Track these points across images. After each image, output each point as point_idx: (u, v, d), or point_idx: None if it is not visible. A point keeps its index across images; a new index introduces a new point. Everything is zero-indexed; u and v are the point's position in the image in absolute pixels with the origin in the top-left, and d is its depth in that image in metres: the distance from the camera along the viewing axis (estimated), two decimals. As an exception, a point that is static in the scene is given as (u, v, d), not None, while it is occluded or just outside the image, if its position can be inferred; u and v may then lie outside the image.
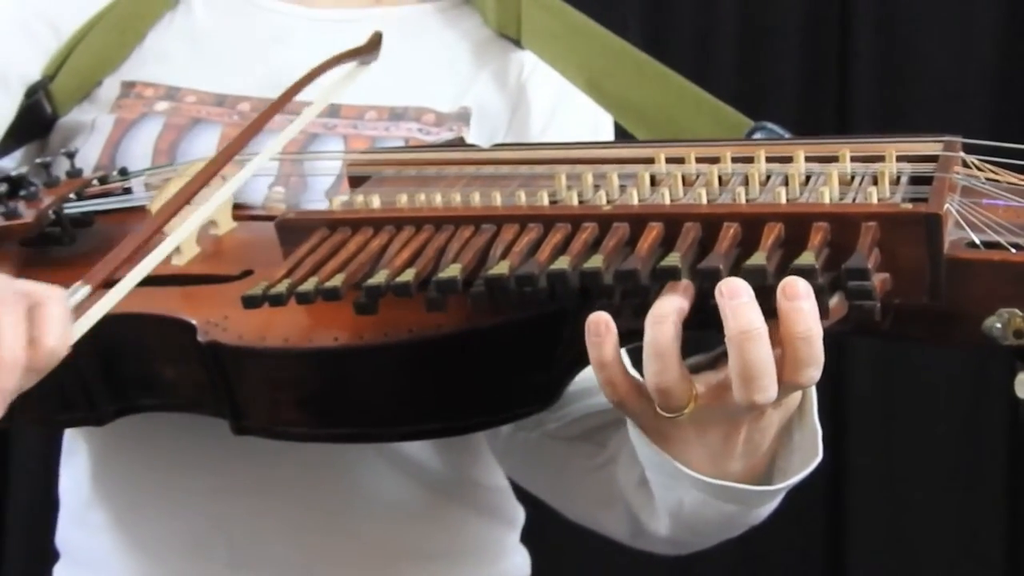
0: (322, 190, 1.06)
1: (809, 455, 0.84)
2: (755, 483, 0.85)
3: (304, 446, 1.02)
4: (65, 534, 1.18)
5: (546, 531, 1.12)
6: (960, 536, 2.27)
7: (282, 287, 0.80)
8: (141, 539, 1.11)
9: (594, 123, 1.15)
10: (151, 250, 0.86)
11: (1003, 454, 2.25)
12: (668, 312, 0.73)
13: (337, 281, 0.79)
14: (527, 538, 1.23)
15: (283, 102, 1.02)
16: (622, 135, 1.12)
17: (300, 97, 1.03)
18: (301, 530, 1.09)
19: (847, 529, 2.27)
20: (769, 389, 0.73)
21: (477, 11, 1.19)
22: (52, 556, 1.19)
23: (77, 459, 1.15)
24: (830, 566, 2.29)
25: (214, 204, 0.94)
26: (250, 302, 0.81)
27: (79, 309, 0.80)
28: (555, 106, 1.15)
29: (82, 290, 0.81)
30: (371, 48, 1.08)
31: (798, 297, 0.71)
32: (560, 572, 1.48)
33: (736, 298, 0.72)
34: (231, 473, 1.08)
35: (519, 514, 1.22)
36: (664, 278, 0.74)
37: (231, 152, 0.95)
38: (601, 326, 0.75)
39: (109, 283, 0.83)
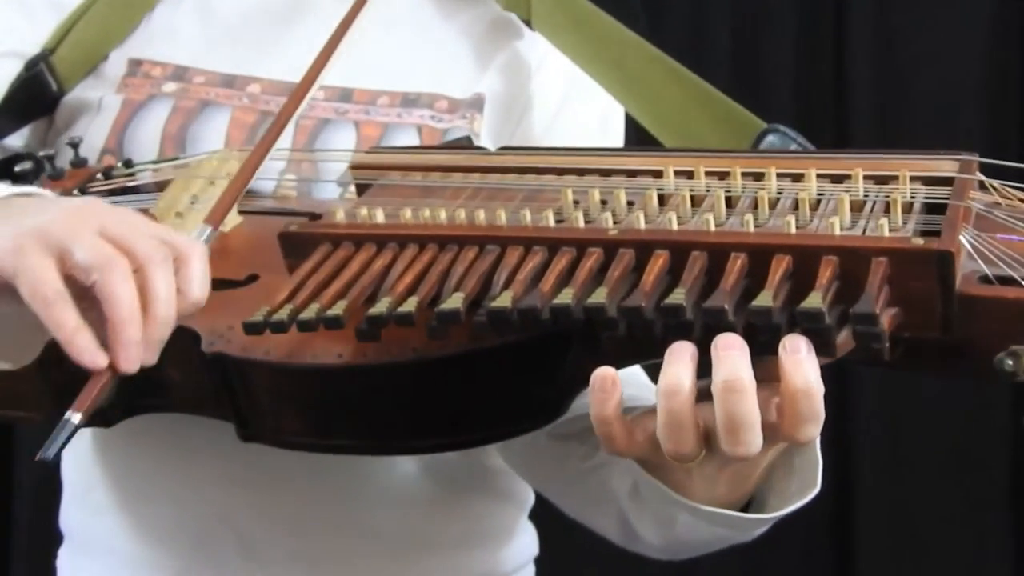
0: (334, 175, 1.05)
1: (808, 482, 0.84)
2: (743, 501, 0.85)
3: None
4: (68, 515, 1.18)
5: (554, 508, 1.12)
6: (966, 548, 2.27)
7: (283, 314, 0.80)
8: (146, 524, 1.11)
9: (603, 118, 1.13)
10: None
11: (1006, 470, 2.25)
12: (681, 382, 0.72)
13: (339, 309, 0.79)
14: (534, 515, 1.24)
15: (315, 74, 1.00)
16: (632, 125, 1.10)
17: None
18: (311, 521, 1.09)
19: (854, 534, 2.27)
20: (751, 443, 0.72)
21: None
22: (58, 539, 1.20)
23: (83, 440, 1.15)
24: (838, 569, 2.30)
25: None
26: (251, 329, 0.80)
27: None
28: (563, 100, 1.14)
29: (207, 231, 0.88)
30: None
31: (799, 352, 0.71)
32: (568, 548, 1.49)
33: (727, 349, 0.71)
34: (240, 462, 1.07)
35: (529, 495, 1.22)
36: (669, 316, 0.73)
37: (271, 138, 0.95)
38: (607, 382, 0.74)
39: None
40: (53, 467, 1.18)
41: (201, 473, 1.09)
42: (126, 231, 0.80)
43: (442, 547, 1.14)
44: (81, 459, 1.15)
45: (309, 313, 0.79)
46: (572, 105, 1.14)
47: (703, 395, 0.75)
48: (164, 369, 0.92)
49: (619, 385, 0.74)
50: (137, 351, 0.78)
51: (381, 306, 0.78)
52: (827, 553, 2.29)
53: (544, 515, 1.23)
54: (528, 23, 1.12)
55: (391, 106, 1.08)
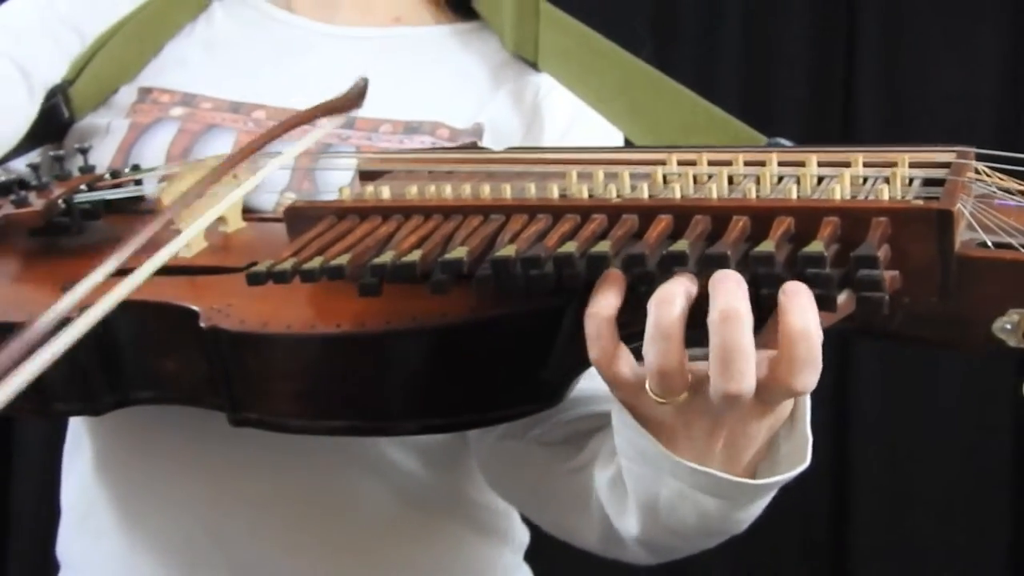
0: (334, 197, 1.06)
1: (796, 462, 0.82)
2: None
3: (303, 459, 1.01)
4: (66, 542, 1.17)
5: (548, 550, 1.10)
6: (965, 543, 2.25)
7: (287, 264, 0.80)
8: (140, 547, 1.10)
9: (609, 140, 1.15)
10: (162, 242, 0.86)
11: (1008, 461, 2.25)
12: (675, 293, 0.72)
13: (343, 260, 0.79)
14: (530, 557, 1.22)
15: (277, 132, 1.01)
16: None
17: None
18: (298, 545, 1.08)
19: (849, 535, 2.25)
20: (744, 376, 0.71)
21: (495, 34, 1.19)
22: (54, 566, 1.18)
23: (79, 463, 1.14)
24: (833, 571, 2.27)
25: (227, 202, 0.94)
26: (254, 278, 0.80)
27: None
28: (569, 126, 1.15)
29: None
30: (358, 97, 1.06)
31: (798, 294, 0.71)
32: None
33: (724, 282, 0.71)
34: (229, 485, 1.07)
35: (519, 534, 1.20)
36: (672, 263, 0.73)
37: (249, 151, 0.95)
38: (612, 277, 0.75)
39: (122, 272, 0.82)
40: (50, 494, 1.18)
41: (193, 494, 1.09)
42: None
43: None
44: (81, 482, 1.14)
45: (313, 264, 0.79)
46: (577, 131, 1.15)
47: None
48: (159, 359, 0.92)
49: (622, 286, 0.75)
50: None
51: (385, 257, 0.78)
52: (823, 548, 2.26)
53: (541, 557, 1.21)
54: (535, 65, 1.15)
55: (393, 133, 1.11)
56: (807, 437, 0.82)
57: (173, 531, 1.09)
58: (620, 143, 1.14)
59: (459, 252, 0.77)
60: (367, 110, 1.11)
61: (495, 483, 1.10)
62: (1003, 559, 2.26)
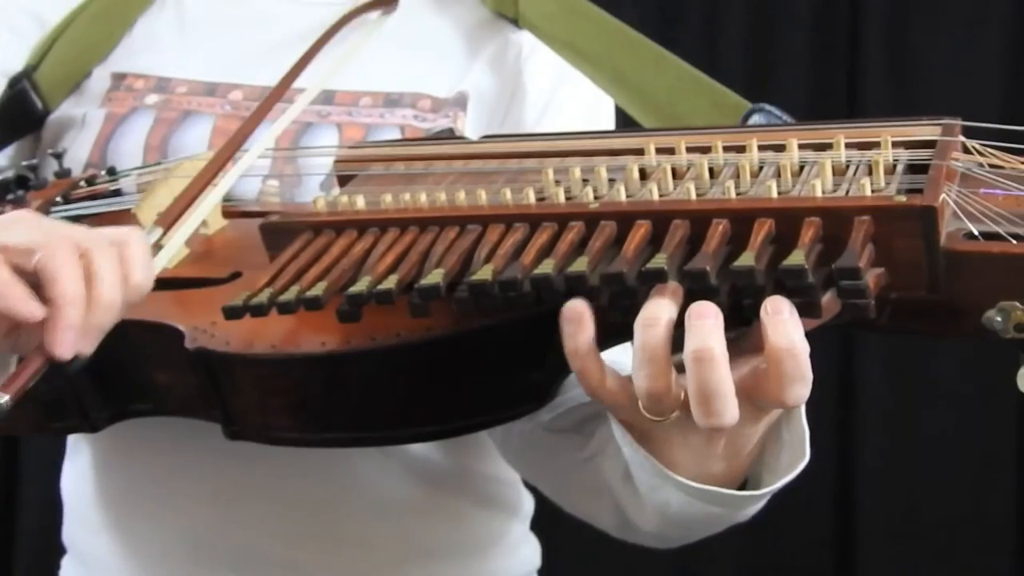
0: (316, 183, 1.04)
1: (797, 455, 0.82)
2: (739, 480, 0.84)
3: (303, 449, 1.01)
4: (70, 531, 1.18)
5: (557, 519, 1.10)
6: (971, 535, 2.25)
7: (263, 297, 0.79)
8: (142, 541, 1.10)
9: (594, 105, 1.12)
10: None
11: (1013, 452, 2.24)
12: (659, 315, 0.71)
13: (319, 290, 0.78)
14: (537, 526, 1.22)
15: (296, 72, 1.01)
16: (622, 117, 1.09)
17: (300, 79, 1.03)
18: (302, 533, 1.08)
19: (856, 529, 2.25)
20: (723, 414, 0.70)
21: None
22: (61, 550, 1.19)
23: (80, 460, 1.14)
24: (839, 565, 2.28)
25: (210, 203, 0.93)
26: (231, 313, 0.79)
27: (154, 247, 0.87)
28: (553, 88, 1.13)
29: (156, 231, 0.88)
30: None
31: (780, 312, 0.69)
32: (572, 560, 1.46)
33: (700, 319, 0.69)
34: (231, 477, 1.07)
35: (525, 503, 1.20)
36: (651, 280, 0.72)
37: (238, 140, 0.95)
38: (575, 314, 0.73)
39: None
40: (58, 480, 1.19)
41: (194, 490, 1.09)
42: (62, 225, 0.78)
43: (436, 556, 1.13)
44: (78, 479, 1.15)
45: (289, 295, 0.78)
46: (563, 93, 1.13)
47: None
48: (150, 372, 0.92)
49: (588, 318, 0.73)
50: (75, 336, 0.74)
51: (361, 285, 0.77)
52: (827, 541, 2.27)
53: (547, 526, 1.22)
54: (516, 22, 1.12)
55: (373, 107, 1.08)
56: (804, 429, 0.82)
57: (174, 525, 1.09)
58: (608, 105, 1.12)
59: (435, 277, 0.76)
60: (347, 83, 1.09)
61: (515, 465, 1.10)
62: (1009, 555, 2.26)
